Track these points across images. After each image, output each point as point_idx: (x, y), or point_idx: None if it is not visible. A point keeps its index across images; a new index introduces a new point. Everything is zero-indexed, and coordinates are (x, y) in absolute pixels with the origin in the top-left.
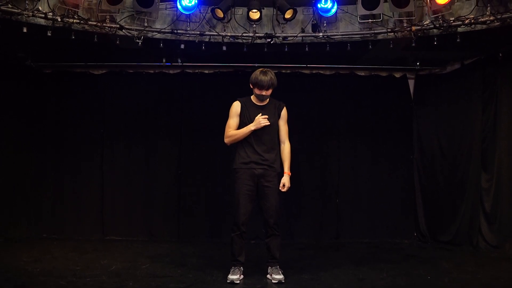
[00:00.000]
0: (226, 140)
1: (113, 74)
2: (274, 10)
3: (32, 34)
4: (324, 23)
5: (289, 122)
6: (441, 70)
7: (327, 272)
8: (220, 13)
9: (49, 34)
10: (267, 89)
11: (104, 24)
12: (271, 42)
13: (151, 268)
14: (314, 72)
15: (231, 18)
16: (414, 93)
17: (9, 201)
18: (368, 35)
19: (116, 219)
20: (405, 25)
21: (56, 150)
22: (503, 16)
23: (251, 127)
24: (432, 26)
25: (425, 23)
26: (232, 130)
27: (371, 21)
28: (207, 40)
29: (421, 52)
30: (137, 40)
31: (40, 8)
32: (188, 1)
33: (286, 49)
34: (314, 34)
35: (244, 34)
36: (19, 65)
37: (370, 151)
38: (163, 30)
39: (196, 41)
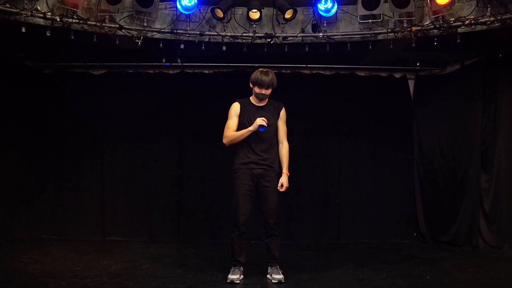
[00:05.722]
0: (225, 141)
1: (113, 75)
2: (274, 10)
3: (31, 34)
4: (324, 23)
5: (289, 122)
6: (441, 70)
7: (327, 273)
8: (220, 13)
9: (48, 34)
10: (267, 88)
11: (103, 24)
12: (271, 42)
13: (151, 269)
14: (314, 72)
15: (231, 18)
16: (414, 93)
17: (9, 203)
18: (368, 35)
19: (116, 220)
20: (405, 25)
21: (56, 151)
22: (503, 17)
23: (250, 128)
24: (432, 26)
25: (425, 23)
26: (231, 131)
27: (371, 21)
28: (207, 40)
29: (421, 53)
30: (137, 40)
31: (38, 8)
32: (187, 1)
33: (286, 49)
34: (314, 34)
35: (244, 34)
36: (18, 66)
37: (370, 152)
38: (162, 30)
39: (196, 41)
